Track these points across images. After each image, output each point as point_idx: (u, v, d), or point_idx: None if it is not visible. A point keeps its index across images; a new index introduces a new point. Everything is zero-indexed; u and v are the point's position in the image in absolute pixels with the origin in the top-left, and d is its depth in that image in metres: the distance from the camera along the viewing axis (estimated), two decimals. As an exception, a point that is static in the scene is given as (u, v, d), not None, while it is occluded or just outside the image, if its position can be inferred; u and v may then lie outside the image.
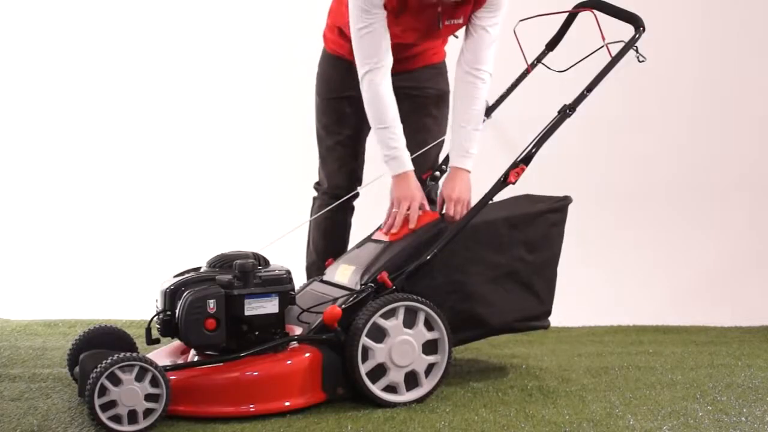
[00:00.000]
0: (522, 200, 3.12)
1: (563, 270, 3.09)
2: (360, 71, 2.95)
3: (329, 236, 3.37)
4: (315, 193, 3.42)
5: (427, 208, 3.01)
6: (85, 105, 4.94)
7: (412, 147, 3.05)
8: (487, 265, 2.94)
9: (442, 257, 2.83)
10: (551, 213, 3.05)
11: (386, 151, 2.97)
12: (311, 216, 3.37)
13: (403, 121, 2.99)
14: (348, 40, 3.04)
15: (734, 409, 2.75)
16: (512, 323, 3.02)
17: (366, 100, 2.96)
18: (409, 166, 2.98)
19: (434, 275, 2.85)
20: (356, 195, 3.34)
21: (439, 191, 3.13)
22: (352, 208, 3.41)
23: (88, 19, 4.92)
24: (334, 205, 3.27)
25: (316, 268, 3.31)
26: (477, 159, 3.05)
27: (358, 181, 3.33)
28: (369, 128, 3.11)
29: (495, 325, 2.98)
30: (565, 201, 3.08)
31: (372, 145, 3.30)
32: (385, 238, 2.97)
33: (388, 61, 2.95)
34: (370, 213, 3.28)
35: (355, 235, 3.33)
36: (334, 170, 3.28)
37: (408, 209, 2.95)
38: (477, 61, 3.02)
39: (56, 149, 4.91)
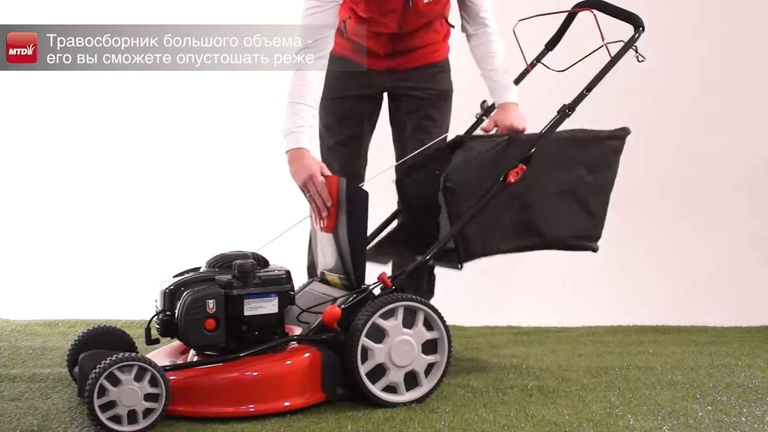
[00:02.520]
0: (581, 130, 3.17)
1: (563, 270, 3.10)
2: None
3: None
4: None
5: (327, 171, 2.94)
6: (85, 105, 4.94)
7: (411, 147, 3.05)
8: (550, 180, 2.98)
9: (509, 160, 2.86)
10: (611, 139, 3.10)
11: (288, 125, 2.93)
12: (312, 216, 3.37)
13: (402, 122, 2.99)
14: (349, 39, 3.04)
15: (734, 409, 2.75)
16: (566, 239, 3.06)
17: (292, 76, 2.97)
18: (305, 145, 2.92)
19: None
20: None
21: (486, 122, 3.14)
22: None
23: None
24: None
25: (316, 268, 3.30)
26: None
27: (361, 180, 3.33)
28: (372, 128, 3.11)
29: (550, 237, 3.02)
30: (625, 131, 3.12)
31: (374, 147, 3.30)
32: (326, 231, 2.93)
33: (326, 48, 2.96)
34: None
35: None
36: (336, 170, 3.28)
37: (313, 187, 2.89)
38: (477, 15, 3.10)
39: (56, 149, 4.91)
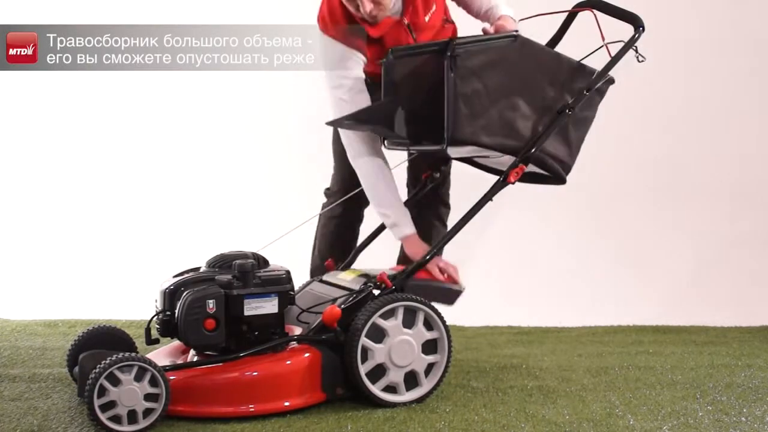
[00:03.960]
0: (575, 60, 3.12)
1: (563, 270, 3.09)
2: (352, 152, 3.01)
3: (334, 242, 3.35)
4: (324, 199, 3.40)
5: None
6: (85, 105, 4.94)
7: None
8: (539, 89, 2.94)
9: (511, 59, 2.86)
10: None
11: (386, 220, 3.01)
12: (318, 223, 3.36)
13: None
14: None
15: (734, 409, 2.75)
16: (544, 156, 2.96)
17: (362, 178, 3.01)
18: (411, 230, 2.99)
19: (496, 73, 2.85)
20: (361, 202, 3.28)
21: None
22: (361, 218, 3.38)
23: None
24: (331, 205, 3.27)
25: (319, 273, 3.30)
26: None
27: None
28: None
29: (528, 144, 2.92)
30: (610, 79, 3.06)
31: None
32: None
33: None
34: (368, 213, 3.27)
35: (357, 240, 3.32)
36: (345, 177, 3.26)
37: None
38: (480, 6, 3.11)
39: (56, 149, 4.91)
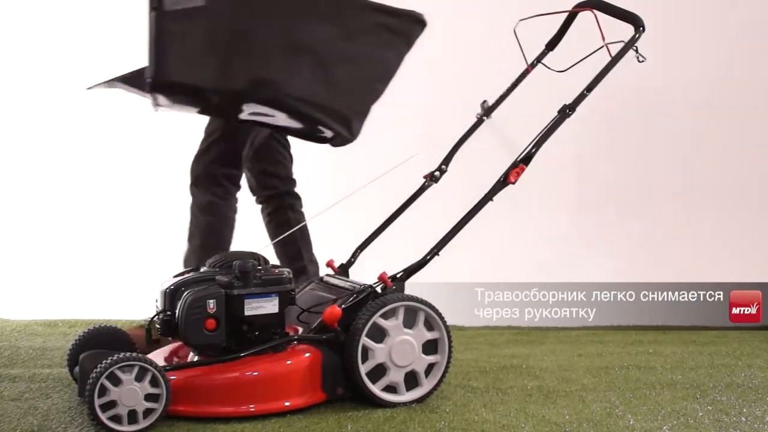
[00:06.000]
0: None
1: (563, 270, 3.09)
2: None
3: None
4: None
5: None
6: (85, 105, 4.93)
7: None
8: (282, 26, 2.68)
9: None
10: (389, 15, 2.85)
11: None
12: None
13: None
14: None
15: (734, 409, 2.75)
16: (296, 101, 2.73)
17: None
18: None
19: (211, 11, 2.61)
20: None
21: None
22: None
23: (88, 23, 4.92)
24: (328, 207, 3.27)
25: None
26: (477, 158, 3.04)
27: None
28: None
29: (279, 90, 2.71)
30: (418, 16, 2.87)
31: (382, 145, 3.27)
32: None
33: None
34: (368, 213, 3.27)
35: (357, 240, 3.31)
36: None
37: None
38: None
39: (56, 150, 4.91)
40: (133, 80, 2.80)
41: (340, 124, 2.85)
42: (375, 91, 2.90)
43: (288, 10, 2.71)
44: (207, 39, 2.63)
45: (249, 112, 2.82)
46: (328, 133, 2.88)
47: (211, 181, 3.30)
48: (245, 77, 2.69)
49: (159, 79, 2.60)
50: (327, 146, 3.34)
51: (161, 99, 2.68)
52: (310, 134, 2.94)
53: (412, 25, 2.89)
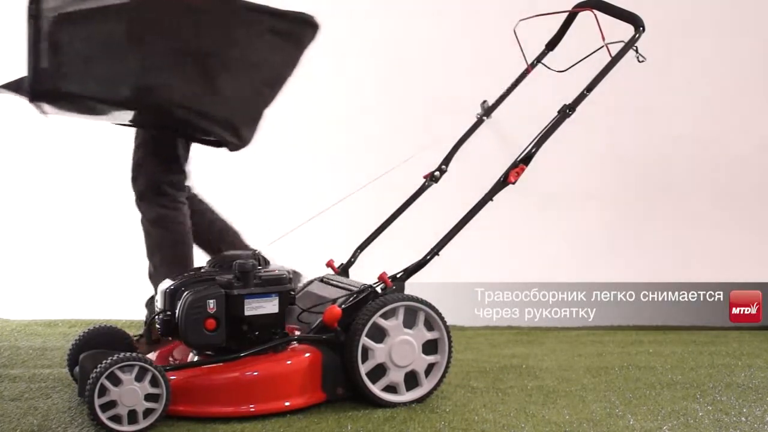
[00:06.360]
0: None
1: (563, 270, 3.09)
2: None
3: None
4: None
5: None
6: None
7: None
8: (167, 37, 2.66)
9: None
10: (277, 18, 2.82)
11: None
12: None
13: None
14: None
15: (734, 409, 2.75)
16: (169, 103, 2.71)
17: None
18: None
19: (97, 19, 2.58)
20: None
21: None
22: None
23: None
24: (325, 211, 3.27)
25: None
26: (477, 158, 3.04)
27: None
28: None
29: (151, 92, 2.68)
30: (303, 18, 2.83)
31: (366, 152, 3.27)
32: None
33: None
34: (368, 212, 3.27)
35: (357, 240, 3.32)
36: None
37: None
38: None
39: (56, 150, 4.91)
40: (18, 88, 2.71)
41: (226, 131, 2.83)
42: (264, 96, 2.88)
43: (173, 18, 2.68)
44: (88, 46, 2.59)
45: (139, 118, 2.84)
46: (213, 139, 2.88)
47: (155, 191, 3.19)
48: (128, 85, 2.67)
49: (37, 89, 2.57)
50: (327, 146, 3.34)
51: (46, 107, 2.65)
52: (197, 140, 2.96)
53: (301, 27, 2.85)
